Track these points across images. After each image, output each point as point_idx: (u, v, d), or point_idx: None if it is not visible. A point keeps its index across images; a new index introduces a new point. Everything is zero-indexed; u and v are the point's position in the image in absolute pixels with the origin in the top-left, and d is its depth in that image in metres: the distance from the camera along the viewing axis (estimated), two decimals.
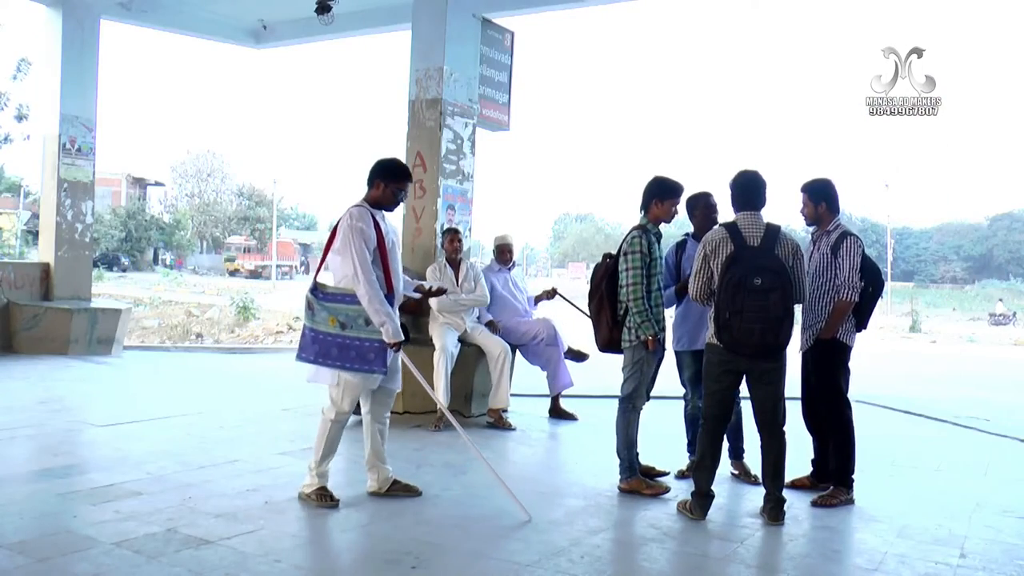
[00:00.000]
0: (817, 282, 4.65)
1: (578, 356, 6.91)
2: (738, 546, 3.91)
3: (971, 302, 50.69)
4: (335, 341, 4.11)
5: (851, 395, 4.80)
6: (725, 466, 4.74)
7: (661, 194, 4.67)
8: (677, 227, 5.74)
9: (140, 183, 58.65)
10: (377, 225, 4.18)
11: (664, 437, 5.58)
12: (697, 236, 5.05)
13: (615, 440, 4.72)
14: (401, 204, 4.55)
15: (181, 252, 57.35)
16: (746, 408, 4.58)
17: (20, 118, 18.61)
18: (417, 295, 4.75)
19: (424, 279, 6.26)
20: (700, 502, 4.28)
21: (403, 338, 4.15)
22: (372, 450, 4.42)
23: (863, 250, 4.66)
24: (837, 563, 3.79)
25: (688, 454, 5.15)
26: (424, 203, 7.07)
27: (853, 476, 4.67)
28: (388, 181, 4.26)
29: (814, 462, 4.94)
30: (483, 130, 7.91)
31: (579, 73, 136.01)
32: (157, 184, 61.00)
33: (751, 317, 4.06)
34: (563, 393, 6.97)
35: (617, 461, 4.73)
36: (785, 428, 4.32)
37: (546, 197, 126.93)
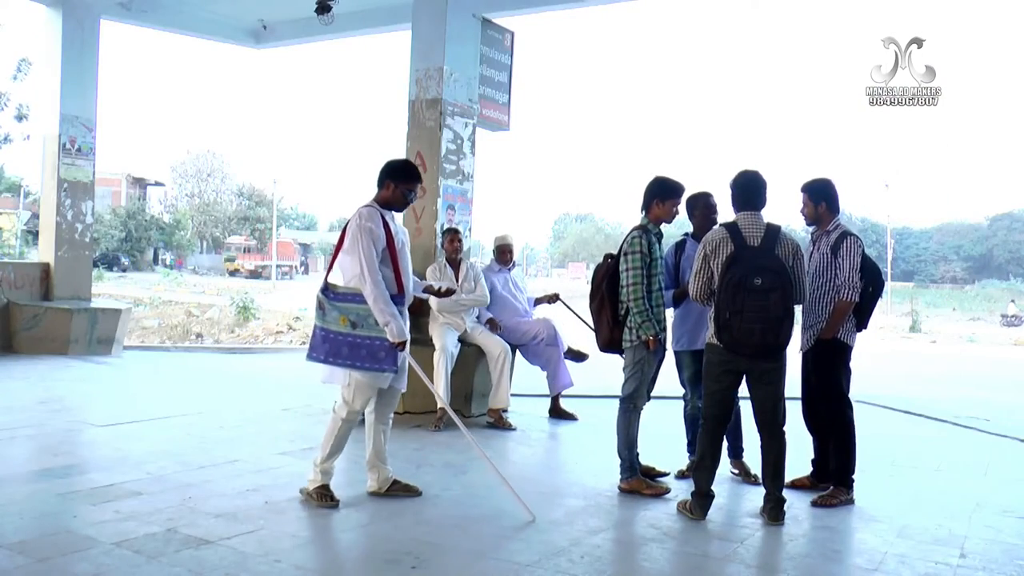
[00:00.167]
0: (817, 282, 4.65)
1: (578, 356, 6.91)
2: (738, 546, 3.91)
3: (971, 302, 50.72)
4: (346, 340, 4.13)
5: (851, 395, 4.80)
6: (725, 466, 4.74)
7: (662, 194, 4.68)
8: (677, 227, 5.74)
9: (140, 183, 58.64)
10: (387, 225, 4.20)
11: (664, 437, 5.58)
12: (696, 236, 5.06)
13: (616, 440, 4.72)
14: (411, 204, 4.56)
15: (181, 252, 57.35)
16: (746, 408, 4.58)
17: (20, 118, 18.61)
18: (426, 295, 4.78)
19: (424, 279, 6.26)
20: (700, 502, 4.28)
21: (407, 338, 4.17)
22: (374, 450, 4.43)
23: (863, 250, 4.66)
24: (837, 563, 3.79)
25: (688, 454, 5.15)
26: (424, 203, 7.07)
27: (853, 476, 4.67)
28: (398, 182, 4.28)
29: (814, 462, 4.94)
30: (483, 130, 7.90)
31: (579, 73, 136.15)
32: (157, 184, 61.00)
33: (751, 317, 4.06)
34: (563, 393, 6.97)
35: (617, 461, 4.73)
36: (785, 428, 4.32)
37: (546, 197, 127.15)
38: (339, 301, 4.15)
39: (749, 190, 4.32)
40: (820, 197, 4.76)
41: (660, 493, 4.64)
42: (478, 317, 6.80)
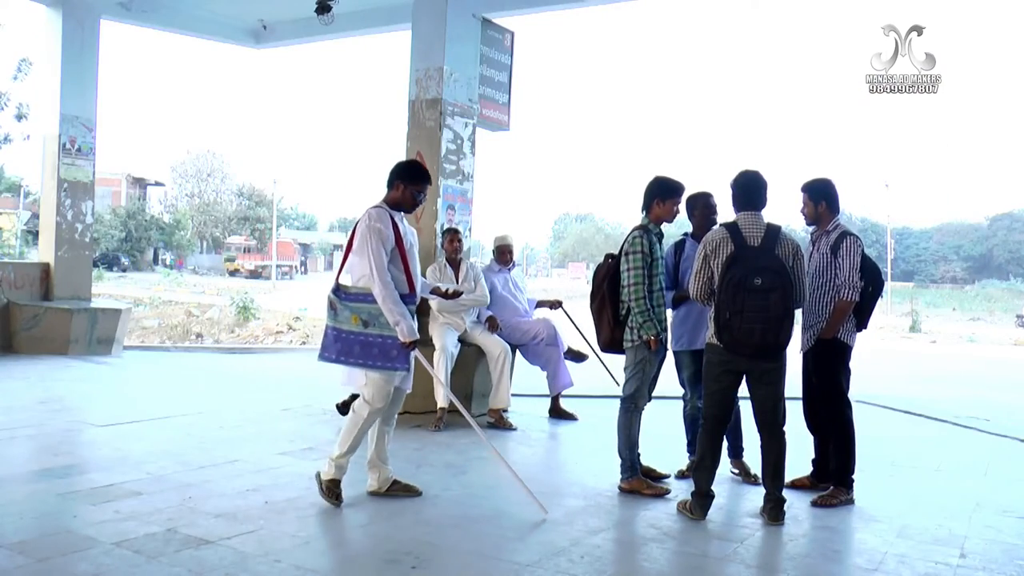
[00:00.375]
0: (817, 282, 4.65)
1: (578, 356, 6.91)
2: (738, 546, 3.91)
3: (971, 302, 50.69)
4: (357, 339, 4.14)
5: (851, 395, 4.80)
6: (725, 466, 4.74)
7: (662, 194, 4.68)
8: (677, 227, 5.75)
9: (140, 183, 58.63)
10: (395, 226, 4.21)
11: (664, 437, 5.58)
12: (696, 236, 5.06)
13: (616, 440, 4.72)
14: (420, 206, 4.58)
15: (181, 252, 57.34)
16: (746, 408, 4.58)
17: (20, 117, 18.62)
18: (434, 297, 4.79)
19: (424, 279, 6.27)
20: (700, 502, 4.28)
21: (418, 337, 4.18)
22: (376, 450, 4.43)
23: (863, 250, 4.66)
24: (837, 563, 3.79)
25: (688, 454, 5.15)
26: (424, 203, 7.06)
27: (853, 476, 4.67)
28: (407, 183, 4.29)
29: (814, 462, 4.94)
30: (483, 130, 7.91)
31: (579, 73, 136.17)
32: (157, 184, 60.99)
33: (751, 317, 4.06)
34: (563, 393, 6.97)
35: (618, 461, 4.73)
36: (785, 428, 4.32)
37: (546, 197, 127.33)
38: (350, 301, 4.16)
39: (749, 190, 4.32)
40: (820, 197, 4.76)
41: (660, 493, 4.64)
42: (478, 317, 6.80)
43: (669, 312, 5.06)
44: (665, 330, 4.71)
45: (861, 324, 4.76)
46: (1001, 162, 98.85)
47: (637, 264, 4.53)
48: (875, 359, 14.09)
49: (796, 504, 4.51)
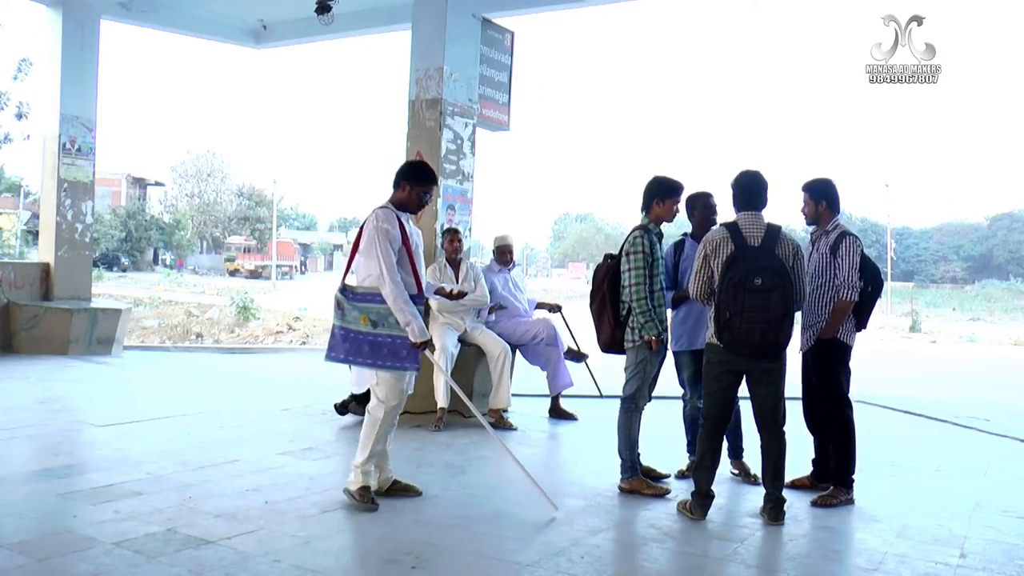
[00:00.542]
0: (817, 282, 4.65)
1: (578, 356, 6.91)
2: (738, 546, 3.91)
3: (971, 302, 50.64)
4: (366, 339, 4.13)
5: (851, 395, 4.80)
6: (725, 466, 4.74)
7: (662, 193, 4.68)
8: (677, 227, 5.75)
9: (140, 183, 58.62)
10: (402, 227, 4.21)
11: (664, 437, 5.58)
12: (695, 236, 5.06)
13: (617, 440, 4.72)
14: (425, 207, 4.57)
15: (181, 252, 57.33)
16: (746, 408, 4.58)
17: (20, 116, 18.62)
18: (436, 297, 4.79)
19: None
20: (700, 502, 4.28)
21: (429, 337, 4.19)
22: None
23: (862, 250, 4.66)
24: (837, 563, 3.79)
25: (688, 454, 5.15)
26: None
27: (853, 476, 4.67)
28: (414, 184, 4.29)
29: (814, 462, 4.94)
30: (483, 130, 7.90)
31: (579, 73, 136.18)
32: (157, 184, 60.99)
33: (751, 317, 4.06)
34: (563, 393, 6.97)
35: (618, 461, 4.73)
36: (785, 428, 4.32)
37: (546, 197, 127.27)
38: (358, 301, 4.15)
39: (750, 190, 4.32)
40: (821, 196, 4.76)
41: (660, 494, 4.64)
42: (478, 316, 6.80)
43: (669, 312, 5.06)
44: (666, 330, 4.71)
45: (860, 324, 4.76)
46: (1001, 162, 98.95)
47: (638, 264, 4.53)
48: (875, 359, 14.09)
49: (796, 504, 4.51)
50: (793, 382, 4.52)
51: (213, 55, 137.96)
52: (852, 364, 4.79)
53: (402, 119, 7.30)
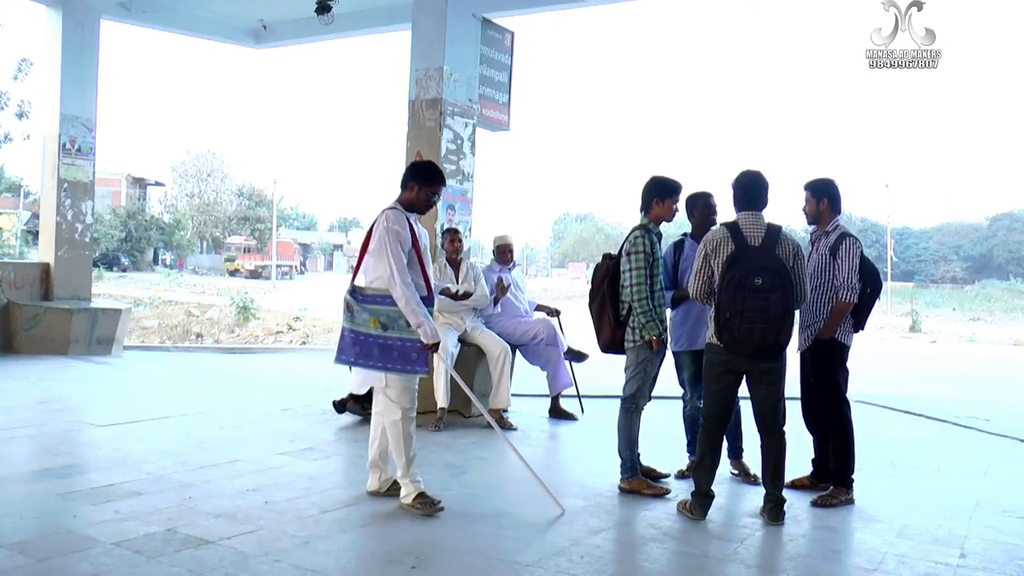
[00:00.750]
0: (816, 282, 4.65)
1: (578, 356, 6.91)
2: (738, 546, 3.91)
3: (971, 302, 50.62)
4: (376, 342, 4.10)
5: (851, 395, 4.81)
6: (725, 466, 4.74)
7: (661, 193, 4.68)
8: (677, 227, 5.75)
9: (140, 183, 58.61)
10: (411, 228, 4.19)
11: (664, 437, 5.58)
12: (695, 236, 5.06)
13: (617, 440, 4.72)
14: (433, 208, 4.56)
15: (181, 252, 57.33)
16: (746, 408, 4.58)
17: (21, 115, 18.62)
18: (442, 298, 4.77)
19: None
20: (700, 502, 4.28)
21: (440, 339, 4.17)
22: (379, 450, 4.42)
23: (862, 251, 4.66)
24: (837, 563, 3.79)
25: (688, 454, 5.15)
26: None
27: (853, 476, 4.67)
28: (422, 184, 4.26)
29: (814, 462, 4.94)
30: (483, 130, 7.90)
31: (579, 73, 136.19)
32: (157, 184, 60.98)
33: (751, 317, 4.06)
34: (563, 393, 6.98)
35: (618, 461, 4.73)
36: (785, 428, 4.32)
37: (546, 197, 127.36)
38: (368, 303, 4.12)
39: (751, 190, 4.32)
40: (822, 194, 4.76)
41: (660, 493, 4.64)
42: (479, 314, 6.80)
43: (668, 312, 5.06)
44: (665, 330, 4.72)
45: (858, 325, 4.76)
46: (1001, 162, 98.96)
47: (639, 264, 4.53)
48: (875, 359, 14.09)
49: (796, 504, 4.51)
50: (793, 382, 4.52)
51: (213, 55, 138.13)
52: (851, 364, 4.79)
53: (402, 119, 7.31)
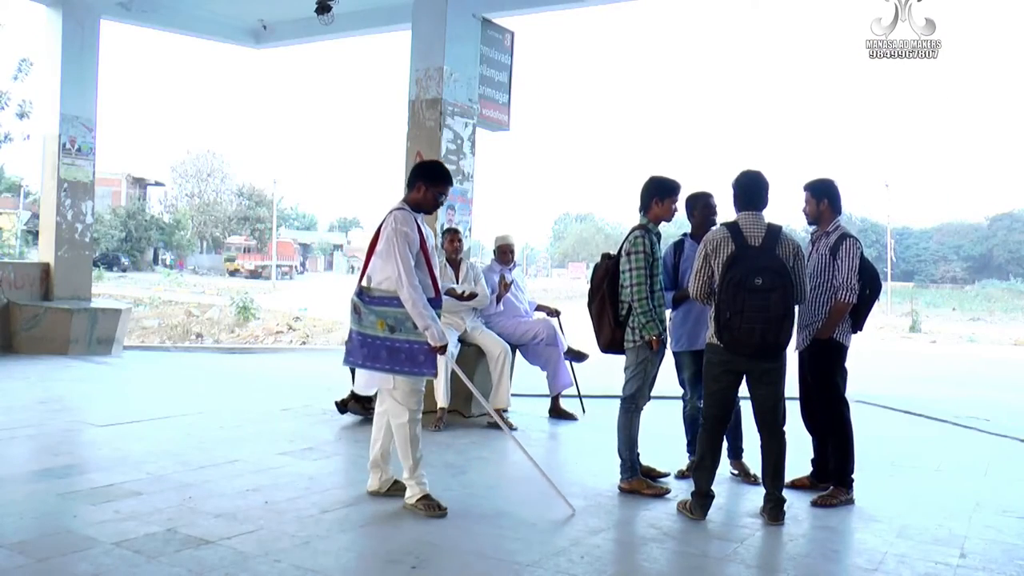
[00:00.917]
0: (815, 283, 4.65)
1: (578, 356, 6.91)
2: (738, 546, 3.91)
3: (971, 302, 50.62)
4: (384, 344, 4.09)
5: (851, 395, 4.81)
6: (725, 466, 4.74)
7: (660, 193, 4.68)
8: (676, 227, 5.75)
9: (140, 183, 58.60)
10: (419, 228, 4.17)
11: (664, 437, 5.58)
12: (695, 236, 5.06)
13: (616, 440, 4.72)
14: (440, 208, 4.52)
15: (181, 252, 57.33)
16: (746, 408, 4.58)
17: (21, 115, 18.62)
18: (447, 298, 4.75)
19: None
20: (700, 502, 4.28)
21: (448, 341, 4.15)
22: (380, 450, 4.42)
23: (862, 252, 4.66)
24: (837, 563, 3.80)
25: (688, 454, 5.15)
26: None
27: (853, 476, 4.67)
28: (430, 184, 4.23)
29: (814, 462, 4.94)
30: (483, 130, 7.90)
31: (579, 73, 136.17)
32: (157, 184, 60.97)
33: (752, 317, 4.06)
34: (563, 393, 6.98)
35: (618, 461, 4.73)
36: (785, 428, 4.32)
37: (546, 197, 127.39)
38: (376, 305, 4.10)
39: (751, 190, 4.32)
40: (822, 195, 4.76)
41: (660, 493, 4.64)
42: (478, 314, 6.80)
43: (668, 312, 5.06)
44: (665, 330, 4.72)
45: (857, 326, 4.76)
46: (1001, 162, 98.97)
47: (639, 264, 4.53)
48: (875, 359, 14.10)
49: (796, 504, 4.51)
50: (793, 382, 4.53)
51: (213, 55, 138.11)
52: (851, 364, 4.80)
53: (402, 119, 7.31)
